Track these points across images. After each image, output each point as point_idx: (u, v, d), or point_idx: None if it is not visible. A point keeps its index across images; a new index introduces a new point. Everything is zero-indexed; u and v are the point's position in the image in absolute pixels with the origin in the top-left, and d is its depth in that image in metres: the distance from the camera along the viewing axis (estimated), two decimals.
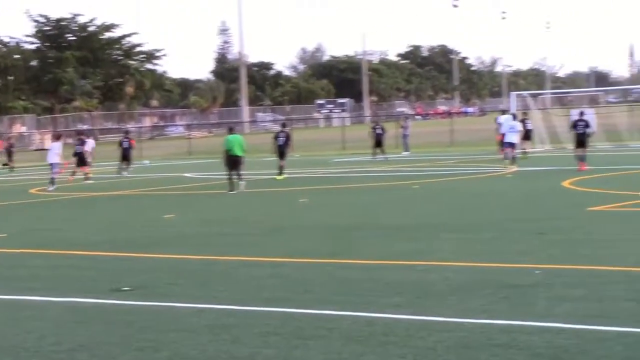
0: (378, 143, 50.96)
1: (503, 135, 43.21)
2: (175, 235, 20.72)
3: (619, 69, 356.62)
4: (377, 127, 51.84)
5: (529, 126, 49.24)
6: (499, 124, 47.68)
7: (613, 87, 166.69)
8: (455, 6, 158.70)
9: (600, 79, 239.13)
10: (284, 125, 42.64)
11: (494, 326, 10.78)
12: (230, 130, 34.04)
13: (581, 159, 36.64)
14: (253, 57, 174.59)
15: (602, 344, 9.77)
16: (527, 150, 47.73)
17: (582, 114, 39.53)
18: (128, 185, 39.34)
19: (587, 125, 37.82)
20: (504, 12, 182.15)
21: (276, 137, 39.88)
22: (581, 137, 37.02)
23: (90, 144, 46.99)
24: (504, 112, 51.52)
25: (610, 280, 13.23)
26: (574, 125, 37.93)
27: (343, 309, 11.93)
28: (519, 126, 42.89)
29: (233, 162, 32.86)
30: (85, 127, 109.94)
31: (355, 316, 11.59)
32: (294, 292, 13.32)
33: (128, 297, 13.29)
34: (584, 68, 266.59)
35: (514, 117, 44.73)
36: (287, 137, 39.73)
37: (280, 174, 38.51)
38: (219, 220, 23.75)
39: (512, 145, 41.27)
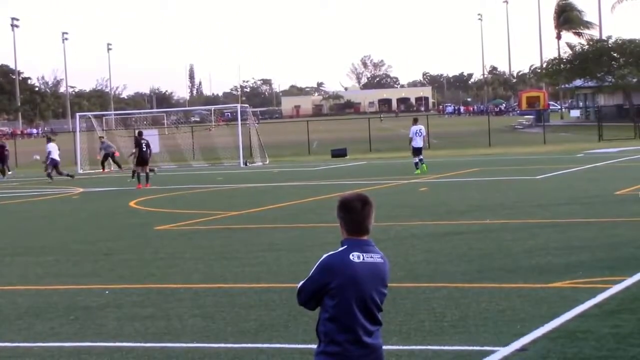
0: None
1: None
2: None
3: (180, 91, 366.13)
4: None
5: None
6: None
7: (175, 108, 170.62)
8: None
9: (162, 100, 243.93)
10: None
11: (64, 349, 10.72)
12: None
13: (146, 177, 37.46)
14: None
15: None
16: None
17: (140, 133, 40.52)
18: None
19: (148, 145, 38.78)
20: (65, 33, 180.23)
21: None
22: (144, 156, 37.82)
23: None
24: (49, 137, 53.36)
25: (177, 297, 13.60)
26: (137, 143, 38.67)
27: None
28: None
29: None
30: None
31: None
32: None
33: None
34: (145, 89, 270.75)
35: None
36: None
37: None
38: None
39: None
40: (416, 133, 39.16)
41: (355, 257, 5.90)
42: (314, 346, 6.08)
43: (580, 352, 9.64)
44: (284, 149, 64.79)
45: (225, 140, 59.59)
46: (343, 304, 5.86)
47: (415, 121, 40.90)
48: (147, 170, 38.32)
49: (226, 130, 69.37)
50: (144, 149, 38.05)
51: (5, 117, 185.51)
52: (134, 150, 39.38)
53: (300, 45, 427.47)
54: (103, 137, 53.94)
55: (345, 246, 5.96)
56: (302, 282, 6.03)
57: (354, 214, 5.98)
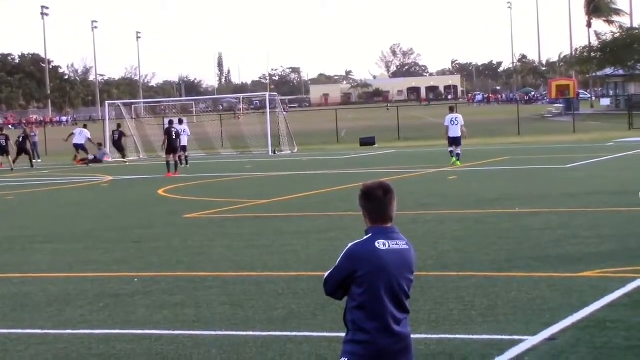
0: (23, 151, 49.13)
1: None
2: None
3: (209, 79, 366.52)
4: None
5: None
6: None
7: (203, 96, 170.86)
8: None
9: (191, 88, 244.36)
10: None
11: (94, 336, 10.78)
12: None
13: (175, 166, 37.59)
14: None
15: (199, 349, 10.07)
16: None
17: (171, 122, 40.38)
18: None
19: (178, 134, 38.83)
20: (95, 22, 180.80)
21: None
22: (174, 144, 37.85)
23: None
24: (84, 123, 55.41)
25: (206, 285, 13.64)
26: (167, 132, 38.70)
27: None
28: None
29: None
30: None
31: None
32: None
33: None
34: (174, 77, 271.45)
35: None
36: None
37: None
38: None
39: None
40: (452, 121, 37.23)
41: (381, 244, 5.92)
42: (343, 334, 6.08)
43: (610, 342, 9.60)
44: (312, 138, 64.73)
45: (254, 128, 59.64)
46: (371, 291, 5.87)
47: (451, 110, 39.15)
48: (177, 159, 38.47)
49: (255, 119, 69.40)
50: (174, 138, 38.13)
51: (35, 105, 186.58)
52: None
53: (329, 34, 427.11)
54: (102, 145, 53.40)
55: (370, 234, 5.97)
56: (328, 272, 6.05)
57: (377, 202, 6.00)
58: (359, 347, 5.87)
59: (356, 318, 5.90)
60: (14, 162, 48.07)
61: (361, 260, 5.88)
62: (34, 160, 50.20)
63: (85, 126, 53.90)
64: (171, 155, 37.93)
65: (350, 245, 5.99)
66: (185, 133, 44.17)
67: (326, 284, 6.05)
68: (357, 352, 5.87)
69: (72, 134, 51.05)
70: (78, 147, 50.15)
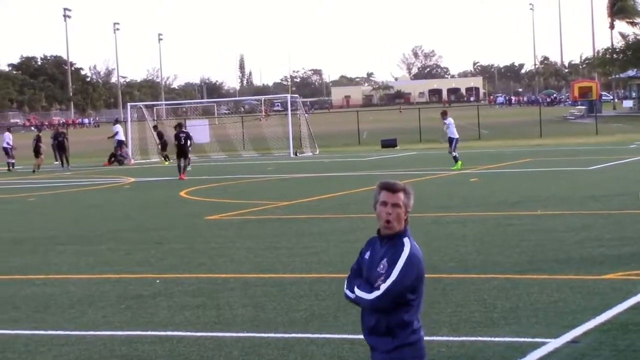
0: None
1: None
2: None
3: (230, 81, 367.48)
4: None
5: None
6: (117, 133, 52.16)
7: (225, 98, 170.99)
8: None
9: (212, 90, 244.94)
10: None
11: (116, 337, 10.81)
12: None
13: (183, 169, 37.66)
14: None
15: (220, 350, 10.09)
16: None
17: (179, 125, 40.51)
18: None
19: (187, 137, 38.63)
20: (117, 24, 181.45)
21: None
22: (183, 149, 37.93)
23: None
24: (117, 120, 54.72)
25: (227, 287, 13.66)
26: (176, 137, 38.74)
27: None
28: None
29: None
30: None
31: None
32: None
33: None
34: (196, 79, 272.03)
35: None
36: None
37: None
38: None
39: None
40: (454, 124, 37.10)
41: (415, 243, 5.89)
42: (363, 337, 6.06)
43: (633, 345, 9.55)
44: (334, 139, 64.72)
45: (275, 130, 59.65)
46: (422, 292, 5.85)
47: (447, 114, 38.69)
48: (186, 162, 38.41)
49: (276, 121, 69.41)
50: (182, 142, 38.11)
51: (58, 107, 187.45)
52: (174, 142, 39.33)
53: (350, 35, 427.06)
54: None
55: (409, 234, 5.85)
56: (388, 284, 5.69)
57: None
58: (412, 349, 5.79)
59: (409, 321, 5.78)
60: (67, 162, 49.42)
61: (422, 263, 5.82)
62: (55, 162, 50.46)
63: (116, 121, 55.21)
64: (182, 159, 38.11)
65: (409, 251, 5.73)
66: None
67: (383, 297, 5.70)
68: (410, 354, 5.79)
69: (117, 132, 51.79)
70: (122, 143, 51.23)
